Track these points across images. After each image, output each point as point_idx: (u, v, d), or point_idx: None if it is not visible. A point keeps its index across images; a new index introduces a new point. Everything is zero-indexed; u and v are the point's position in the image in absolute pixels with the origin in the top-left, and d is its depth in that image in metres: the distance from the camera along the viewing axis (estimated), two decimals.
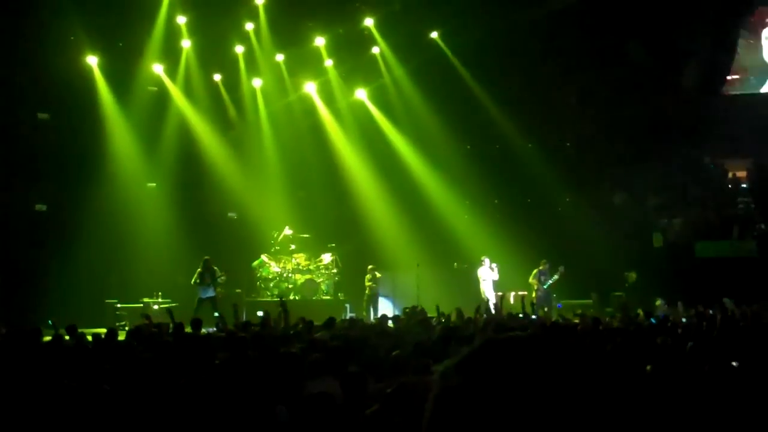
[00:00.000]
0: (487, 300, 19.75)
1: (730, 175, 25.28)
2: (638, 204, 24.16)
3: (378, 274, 22.08)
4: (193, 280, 19.48)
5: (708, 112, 22.61)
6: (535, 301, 20.48)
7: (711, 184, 24.58)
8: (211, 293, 19.45)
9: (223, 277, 19.93)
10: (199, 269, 19.47)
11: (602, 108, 23.28)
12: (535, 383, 1.09)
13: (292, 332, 12.06)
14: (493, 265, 21.72)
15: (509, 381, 1.10)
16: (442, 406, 1.14)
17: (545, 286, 21.24)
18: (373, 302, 21.72)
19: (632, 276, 22.71)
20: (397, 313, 18.28)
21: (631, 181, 23.94)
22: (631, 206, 24.18)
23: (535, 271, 21.49)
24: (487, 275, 21.57)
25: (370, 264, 22.30)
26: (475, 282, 22.11)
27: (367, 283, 21.80)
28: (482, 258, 21.78)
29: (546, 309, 20.22)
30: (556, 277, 21.34)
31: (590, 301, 21.79)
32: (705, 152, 24.28)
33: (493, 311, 15.52)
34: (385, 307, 21.66)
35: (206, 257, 19.62)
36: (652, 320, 14.10)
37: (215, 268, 19.61)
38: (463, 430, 1.09)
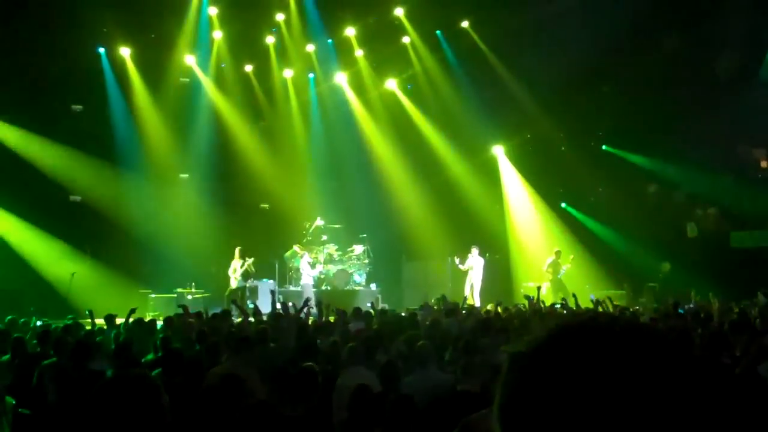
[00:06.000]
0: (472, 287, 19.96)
1: (764, 163, 24.92)
2: (672, 193, 23.92)
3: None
4: (231, 270, 19.90)
5: (742, 100, 22.28)
6: (551, 290, 20.53)
7: (746, 173, 24.24)
8: (242, 283, 19.86)
9: (251, 268, 20.31)
10: (235, 259, 19.89)
11: (635, 96, 23.03)
12: (625, 375, 1.04)
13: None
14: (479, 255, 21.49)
15: (592, 370, 1.05)
16: (517, 393, 1.10)
17: (559, 276, 21.19)
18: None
19: (666, 266, 22.50)
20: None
21: (664, 169, 23.69)
22: (665, 196, 23.95)
23: (549, 260, 21.44)
24: (477, 264, 21.32)
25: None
26: (503, 272, 22.13)
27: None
28: (472, 247, 21.53)
29: (562, 296, 20.18)
30: (568, 266, 21.28)
31: (623, 291, 21.64)
32: (739, 140, 23.94)
33: (477, 302, 15.69)
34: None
35: (240, 247, 19.98)
36: (680, 311, 13.97)
37: (246, 258, 20.04)
38: (540, 419, 1.06)
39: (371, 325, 11.88)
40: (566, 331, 1.12)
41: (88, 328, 11.73)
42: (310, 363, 7.05)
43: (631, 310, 15.31)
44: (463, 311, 14.47)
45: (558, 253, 21.66)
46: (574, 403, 1.03)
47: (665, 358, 1.07)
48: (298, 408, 5.56)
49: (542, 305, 14.77)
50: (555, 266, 21.40)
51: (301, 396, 5.69)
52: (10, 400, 5.98)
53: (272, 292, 15.72)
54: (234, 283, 20.05)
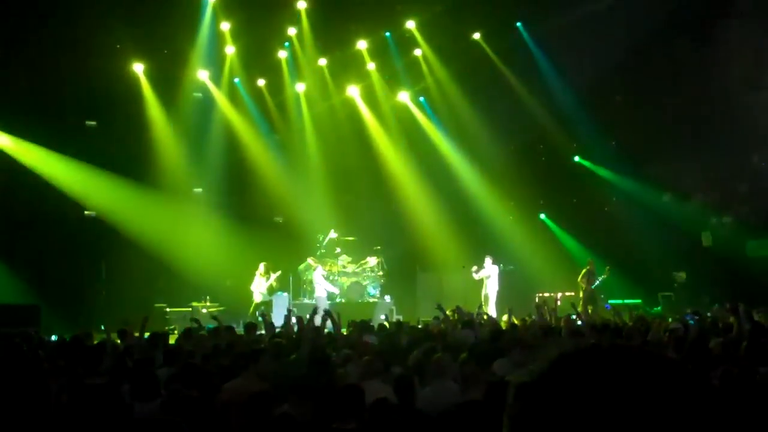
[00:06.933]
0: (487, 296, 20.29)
1: None
2: (686, 202, 23.79)
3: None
4: (255, 285, 19.99)
5: (755, 108, 22.19)
6: (582, 301, 20.31)
7: (760, 181, 24.11)
8: (267, 297, 20.11)
9: (276, 284, 20.39)
10: (260, 273, 20.05)
11: (648, 105, 22.97)
12: (629, 404, 1.04)
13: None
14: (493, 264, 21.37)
15: (593, 402, 1.05)
16: (521, 423, 1.11)
17: (593, 287, 20.96)
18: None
19: (681, 276, 22.38)
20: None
21: (679, 179, 23.58)
22: (680, 205, 23.83)
23: (584, 270, 21.23)
24: (492, 273, 21.16)
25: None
26: (517, 283, 22.06)
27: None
28: (485, 257, 21.42)
29: (591, 308, 19.99)
30: (604, 276, 21.06)
31: (639, 300, 21.53)
32: (753, 149, 23.83)
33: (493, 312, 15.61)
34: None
35: (265, 263, 20.01)
36: (691, 321, 13.86)
37: (270, 273, 20.11)
38: None
39: (386, 338, 11.83)
40: (568, 361, 1.13)
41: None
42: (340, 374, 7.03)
43: (648, 320, 15.18)
44: (483, 318, 14.42)
45: (592, 263, 21.42)
46: None
47: (669, 387, 1.07)
48: (348, 425, 5.49)
49: (553, 316, 14.65)
50: (589, 276, 21.11)
51: (350, 412, 5.63)
52: None
53: (288, 311, 15.72)
54: (258, 298, 20.04)
